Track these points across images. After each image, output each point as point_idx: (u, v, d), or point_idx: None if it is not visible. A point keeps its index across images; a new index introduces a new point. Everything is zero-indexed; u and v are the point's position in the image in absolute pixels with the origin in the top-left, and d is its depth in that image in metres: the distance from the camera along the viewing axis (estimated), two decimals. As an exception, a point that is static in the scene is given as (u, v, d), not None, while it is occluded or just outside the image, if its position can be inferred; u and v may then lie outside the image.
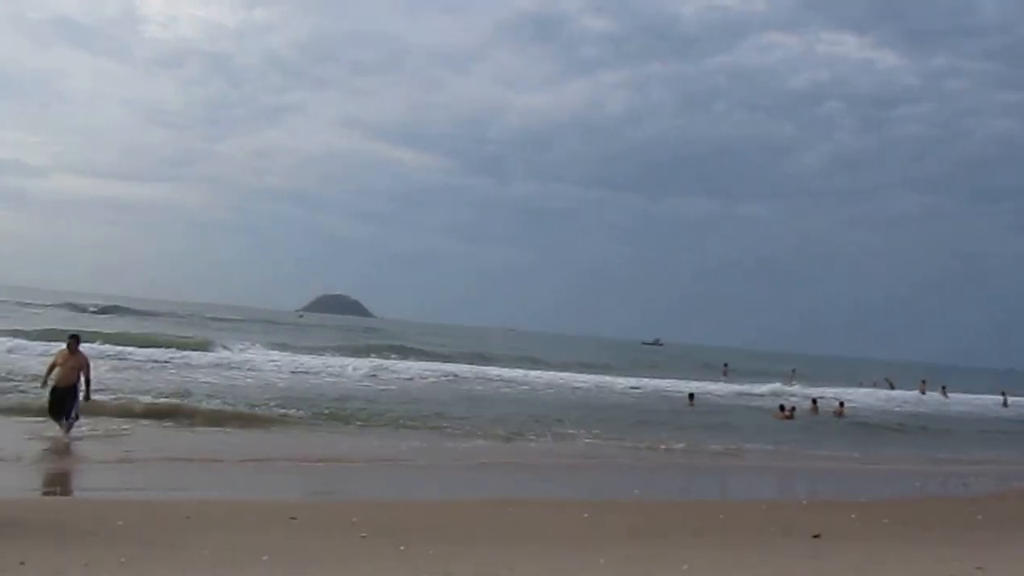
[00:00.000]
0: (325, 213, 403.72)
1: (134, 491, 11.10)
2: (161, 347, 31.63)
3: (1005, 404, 41.38)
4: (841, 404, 30.55)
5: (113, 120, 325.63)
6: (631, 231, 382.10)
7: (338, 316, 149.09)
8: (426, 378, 31.24)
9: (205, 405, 18.30)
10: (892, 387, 45.19)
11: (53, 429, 14.29)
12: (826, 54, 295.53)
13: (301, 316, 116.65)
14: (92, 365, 14.86)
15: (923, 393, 42.90)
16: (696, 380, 38.72)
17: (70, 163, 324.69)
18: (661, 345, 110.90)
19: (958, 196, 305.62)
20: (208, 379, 24.60)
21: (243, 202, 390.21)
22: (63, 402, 14.22)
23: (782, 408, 27.35)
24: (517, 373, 35.73)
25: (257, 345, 38.78)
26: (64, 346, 14.80)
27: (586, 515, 10.67)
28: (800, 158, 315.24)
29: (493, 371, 35.54)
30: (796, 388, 38.88)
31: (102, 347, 28.15)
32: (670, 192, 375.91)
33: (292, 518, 9.43)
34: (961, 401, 41.36)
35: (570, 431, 19.00)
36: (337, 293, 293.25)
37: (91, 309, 61.23)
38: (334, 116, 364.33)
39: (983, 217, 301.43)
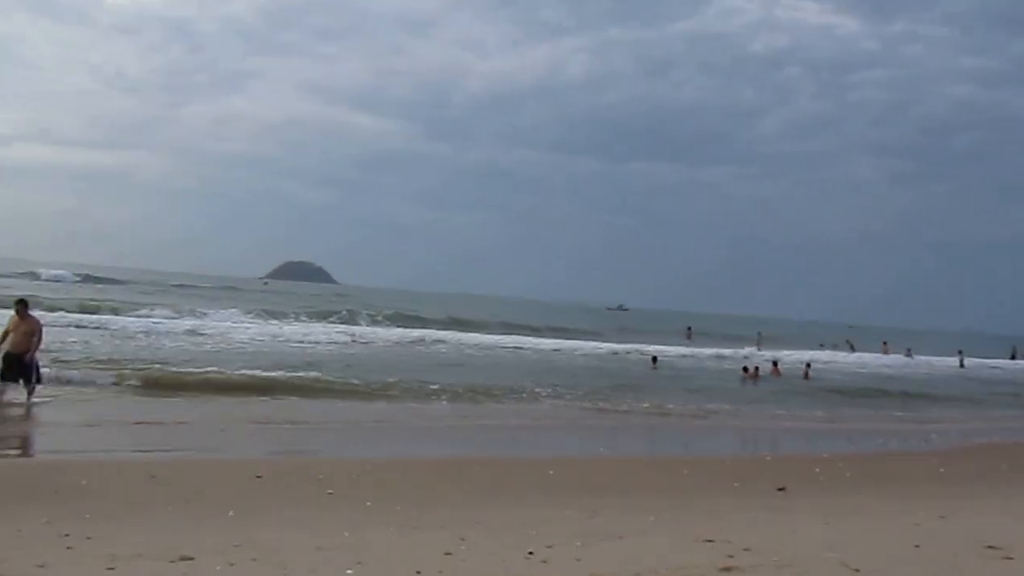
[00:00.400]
0: (288, 180, 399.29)
1: (97, 452, 10.97)
2: (133, 315, 31.30)
3: (961, 364, 42.24)
4: (808, 366, 31.01)
5: (74, 87, 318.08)
6: (593, 196, 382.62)
7: (303, 283, 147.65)
8: (393, 343, 31.19)
9: (173, 370, 18.09)
10: (853, 349, 46.01)
11: (9, 394, 14.07)
12: (786, 19, 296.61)
13: (266, 283, 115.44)
14: (44, 331, 14.69)
15: (886, 354, 43.68)
16: (660, 344, 38.97)
17: (31, 131, 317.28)
18: (626, 310, 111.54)
19: (917, 161, 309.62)
20: (179, 344, 24.32)
21: (205, 169, 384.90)
22: (17, 367, 14.00)
23: (746, 369, 27.75)
24: (483, 338, 35.74)
25: (234, 311, 38.55)
26: (13, 312, 14.56)
27: (551, 472, 10.71)
28: (760, 123, 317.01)
29: (458, 336, 35.49)
30: (765, 352, 39.37)
31: (79, 316, 27.94)
32: (633, 157, 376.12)
33: (258, 476, 9.36)
34: (924, 363, 42.10)
35: (535, 393, 19.02)
36: (301, 260, 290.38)
37: (46, 277, 60.02)
38: (296, 82, 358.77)
39: (942, 181, 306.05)
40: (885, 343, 46.76)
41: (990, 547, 6.44)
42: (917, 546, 6.61)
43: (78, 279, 60.72)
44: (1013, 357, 51.95)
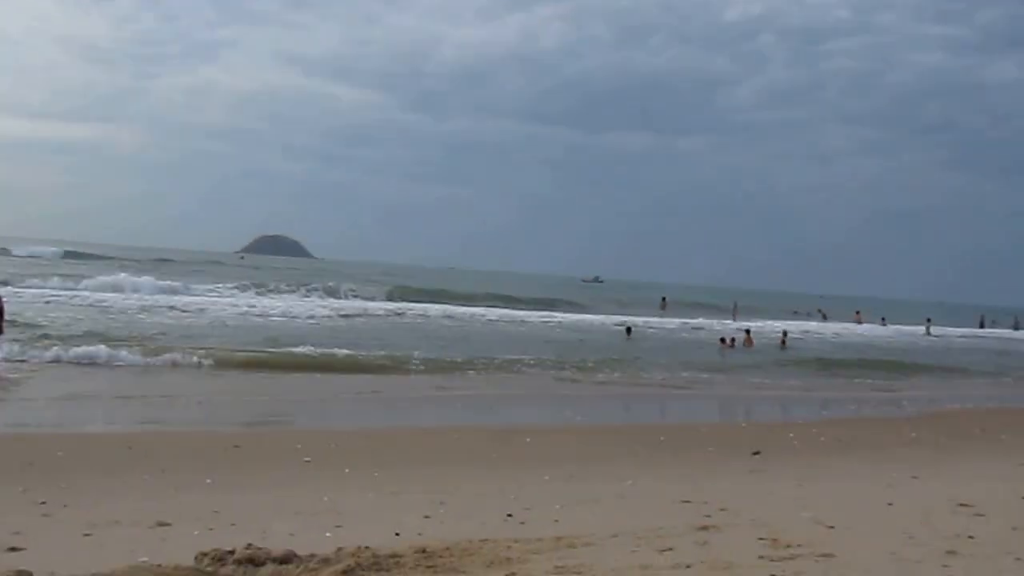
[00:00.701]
0: (261, 151, 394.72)
1: (72, 426, 10.88)
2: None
3: (928, 332, 42.90)
4: (784, 335, 31.30)
5: (45, 59, 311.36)
6: (569, 166, 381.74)
7: (280, 257, 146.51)
8: (376, 315, 31.07)
9: (150, 344, 17.92)
10: (825, 318, 46.51)
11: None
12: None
13: (242, 258, 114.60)
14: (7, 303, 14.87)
15: (859, 323, 44.18)
16: (636, 316, 39.13)
17: (1, 103, 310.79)
18: (601, 282, 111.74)
19: (890, 130, 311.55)
20: (157, 319, 24.07)
21: (178, 142, 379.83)
22: None
23: (723, 340, 27.96)
24: (461, 309, 35.69)
25: (219, 287, 38.11)
26: None
27: (529, 440, 10.77)
28: (734, 92, 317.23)
29: (437, 308, 35.42)
30: (740, 322, 39.63)
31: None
32: (607, 127, 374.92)
33: (235, 446, 9.34)
34: (896, 331, 42.67)
35: (512, 364, 19.02)
36: (276, 234, 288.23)
37: (17, 253, 58.99)
38: (269, 52, 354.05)
39: (915, 151, 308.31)
40: (858, 312, 47.31)
41: (962, 504, 6.54)
42: (890, 504, 6.72)
43: (59, 255, 59.17)
44: (981, 326, 52.88)
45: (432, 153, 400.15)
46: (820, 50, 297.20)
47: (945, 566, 4.77)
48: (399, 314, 32.36)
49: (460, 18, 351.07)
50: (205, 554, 4.64)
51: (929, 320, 44.99)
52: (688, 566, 4.66)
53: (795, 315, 46.42)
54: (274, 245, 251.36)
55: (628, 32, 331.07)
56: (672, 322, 37.31)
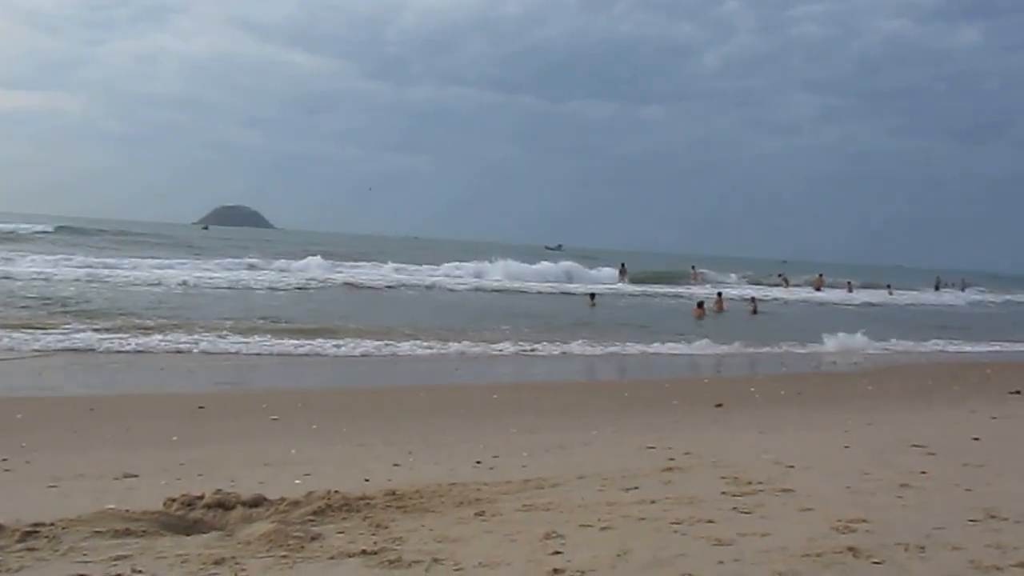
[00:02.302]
0: (217, 121, 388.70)
1: (32, 390, 10.72)
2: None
3: (890, 293, 44.08)
4: (753, 300, 31.46)
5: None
6: (532, 135, 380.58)
7: (242, 228, 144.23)
8: (346, 286, 30.75)
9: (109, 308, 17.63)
10: (787, 283, 47.08)
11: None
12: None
13: (206, 228, 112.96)
14: None
15: (818, 289, 44.83)
16: (596, 283, 39.18)
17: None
18: (563, 250, 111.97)
19: (851, 97, 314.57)
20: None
21: (129, 110, 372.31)
22: None
23: (699, 304, 27.97)
24: (421, 279, 35.42)
25: (199, 261, 36.92)
26: None
27: (495, 396, 10.87)
28: (700, 60, 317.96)
29: (404, 278, 35.06)
30: (700, 288, 39.98)
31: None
32: (570, 95, 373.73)
33: (200, 407, 9.29)
34: (863, 295, 43.44)
35: (478, 331, 18.84)
36: (234, 204, 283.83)
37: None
38: (223, 16, 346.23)
39: (874, 117, 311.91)
40: (820, 275, 48.05)
41: (915, 446, 6.75)
42: (847, 447, 6.91)
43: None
44: (937, 288, 54.12)
45: (394, 122, 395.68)
46: (787, 16, 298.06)
47: (899, 496, 4.94)
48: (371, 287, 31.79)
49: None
50: (174, 500, 4.64)
51: (889, 285, 46.16)
52: (653, 501, 4.77)
53: (759, 282, 46.89)
54: (233, 215, 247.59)
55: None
56: (631, 288, 37.46)
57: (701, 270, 47.84)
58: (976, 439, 7.26)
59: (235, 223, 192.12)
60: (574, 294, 33.27)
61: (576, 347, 17.10)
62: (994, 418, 9.15)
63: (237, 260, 35.65)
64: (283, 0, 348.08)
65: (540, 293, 33.81)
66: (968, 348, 21.38)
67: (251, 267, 34.48)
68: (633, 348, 17.72)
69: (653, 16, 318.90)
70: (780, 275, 50.47)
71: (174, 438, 7.47)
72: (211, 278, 28.28)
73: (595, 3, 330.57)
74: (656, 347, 17.95)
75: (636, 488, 5.16)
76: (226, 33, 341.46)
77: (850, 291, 44.95)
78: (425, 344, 16.33)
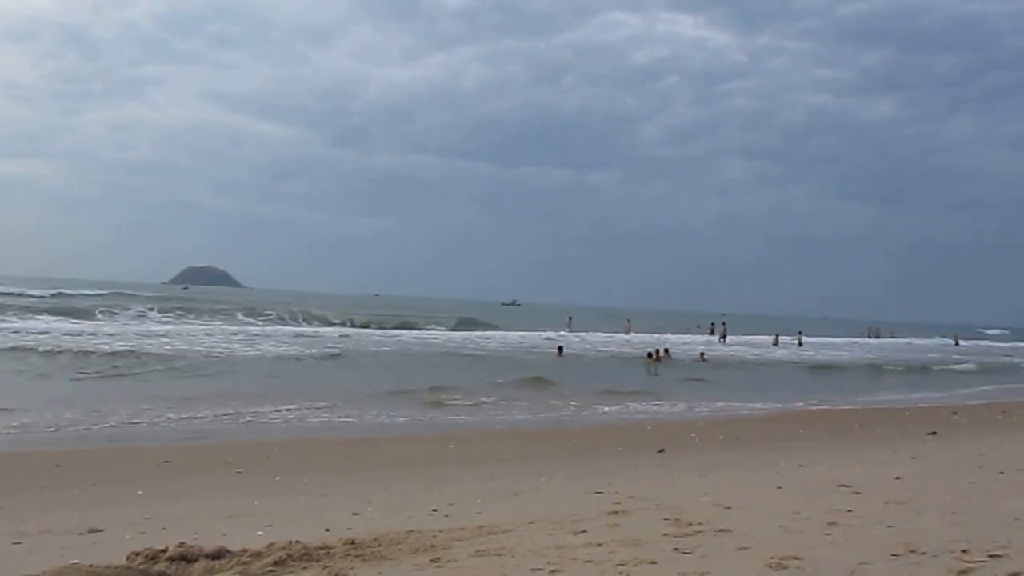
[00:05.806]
0: (189, 187, 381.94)
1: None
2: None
3: (799, 344, 45.33)
4: (702, 355, 31.51)
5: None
6: (488, 199, 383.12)
7: (213, 288, 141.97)
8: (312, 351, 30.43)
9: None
10: (725, 336, 47.66)
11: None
12: (665, 32, 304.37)
13: (186, 288, 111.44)
14: None
15: (718, 335, 45.30)
16: (544, 331, 39.67)
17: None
18: (518, 305, 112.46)
19: (783, 164, 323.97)
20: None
21: (104, 177, 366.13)
22: None
23: (650, 355, 28.26)
24: (390, 334, 35.28)
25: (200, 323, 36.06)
26: None
27: (452, 446, 10.77)
28: (642, 129, 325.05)
29: (368, 334, 34.89)
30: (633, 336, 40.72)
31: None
32: (524, 162, 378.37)
33: (165, 462, 9.07)
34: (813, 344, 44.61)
35: (440, 385, 18.54)
36: (204, 265, 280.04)
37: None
38: (197, 90, 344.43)
39: (804, 183, 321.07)
40: (777, 335, 48.23)
41: (842, 485, 6.83)
42: (779, 488, 6.96)
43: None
44: (870, 336, 55.84)
45: (358, 186, 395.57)
46: (719, 90, 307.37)
47: (827, 534, 4.98)
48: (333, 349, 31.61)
49: (384, 58, 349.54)
50: (137, 553, 4.49)
51: (800, 332, 48.15)
52: (600, 544, 4.74)
53: (697, 327, 47.56)
54: (202, 276, 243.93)
55: (543, 73, 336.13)
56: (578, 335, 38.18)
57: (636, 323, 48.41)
58: (898, 478, 7.37)
59: (205, 282, 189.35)
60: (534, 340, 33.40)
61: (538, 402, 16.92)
62: (913, 458, 9.30)
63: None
64: (255, 75, 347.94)
65: (498, 339, 33.72)
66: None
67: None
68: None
69: (598, 89, 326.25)
70: (723, 323, 51.07)
71: (139, 492, 7.27)
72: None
73: (544, 78, 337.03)
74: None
75: (584, 531, 5.13)
76: (199, 104, 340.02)
77: (799, 344, 45.52)
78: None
